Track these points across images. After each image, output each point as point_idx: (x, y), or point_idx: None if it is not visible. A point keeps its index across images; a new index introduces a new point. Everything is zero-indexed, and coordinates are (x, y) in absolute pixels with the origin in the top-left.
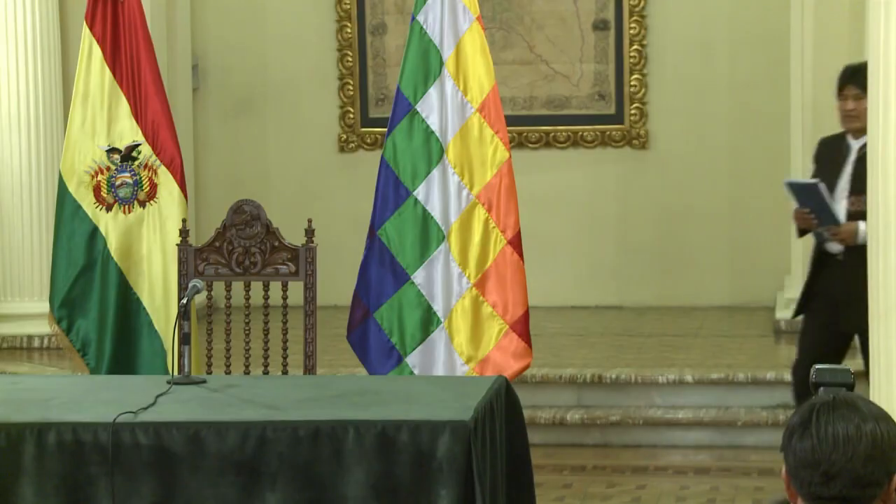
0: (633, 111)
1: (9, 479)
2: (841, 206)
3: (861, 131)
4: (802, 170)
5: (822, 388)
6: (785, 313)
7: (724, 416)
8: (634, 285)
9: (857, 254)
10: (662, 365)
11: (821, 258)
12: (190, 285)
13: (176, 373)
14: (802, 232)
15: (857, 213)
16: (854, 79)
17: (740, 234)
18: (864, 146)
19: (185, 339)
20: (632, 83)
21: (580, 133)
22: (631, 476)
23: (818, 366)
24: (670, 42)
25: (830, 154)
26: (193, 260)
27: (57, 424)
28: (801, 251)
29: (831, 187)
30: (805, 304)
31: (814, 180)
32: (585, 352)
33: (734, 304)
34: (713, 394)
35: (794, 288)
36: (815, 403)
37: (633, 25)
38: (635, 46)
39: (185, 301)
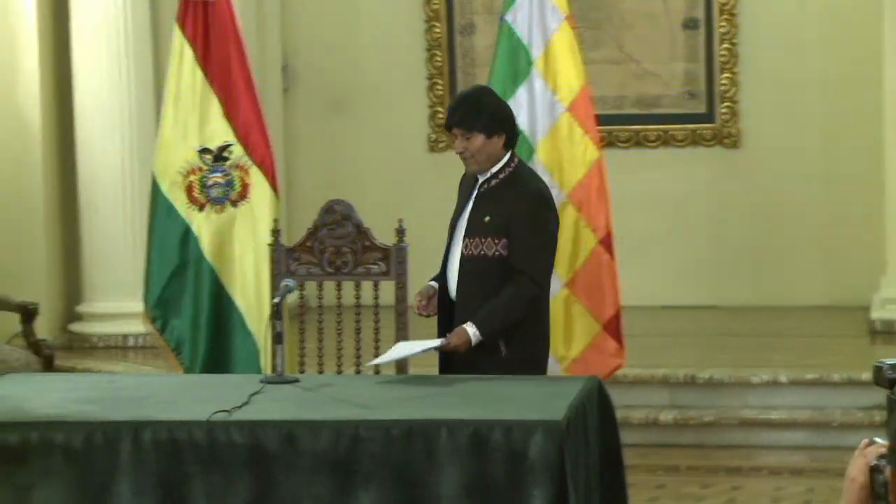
0: (723, 110)
1: (106, 476)
2: None
3: None
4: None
5: None
6: (881, 313)
7: (819, 417)
8: (728, 285)
9: None
10: (756, 365)
11: None
12: (282, 285)
13: (269, 372)
14: None
15: None
16: None
17: (834, 233)
18: None
19: (277, 339)
20: (722, 82)
21: (671, 132)
22: (725, 477)
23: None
24: (761, 40)
25: None
26: (286, 260)
27: (153, 423)
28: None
29: None
30: None
31: None
32: (679, 352)
33: (829, 303)
34: (808, 394)
35: (890, 287)
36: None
37: (723, 24)
38: (726, 45)
39: (277, 300)
